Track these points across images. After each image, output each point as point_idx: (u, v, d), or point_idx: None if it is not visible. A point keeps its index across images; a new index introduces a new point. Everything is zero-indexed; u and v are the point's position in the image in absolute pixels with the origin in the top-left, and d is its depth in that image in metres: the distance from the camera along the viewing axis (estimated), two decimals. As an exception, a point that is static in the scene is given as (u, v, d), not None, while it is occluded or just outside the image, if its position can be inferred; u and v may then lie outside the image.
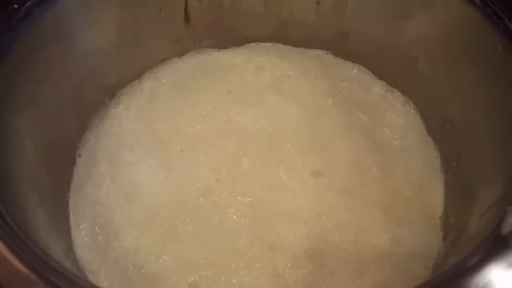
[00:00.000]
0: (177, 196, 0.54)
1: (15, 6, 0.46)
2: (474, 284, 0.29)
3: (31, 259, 0.34)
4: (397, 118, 0.60)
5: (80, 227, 0.53)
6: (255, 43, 0.68)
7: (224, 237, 0.51)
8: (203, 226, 0.52)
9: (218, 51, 0.69)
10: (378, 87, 0.63)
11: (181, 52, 0.68)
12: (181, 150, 0.58)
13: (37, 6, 0.47)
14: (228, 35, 0.68)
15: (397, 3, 0.55)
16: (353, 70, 0.65)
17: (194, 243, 0.51)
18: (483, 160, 0.46)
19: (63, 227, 0.51)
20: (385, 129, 0.59)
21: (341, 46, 0.65)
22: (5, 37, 0.45)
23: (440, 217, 0.52)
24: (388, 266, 0.48)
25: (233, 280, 0.48)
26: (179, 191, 0.55)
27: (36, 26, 0.47)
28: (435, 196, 0.54)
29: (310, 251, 0.50)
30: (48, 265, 0.34)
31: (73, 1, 0.51)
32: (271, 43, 0.69)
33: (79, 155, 0.59)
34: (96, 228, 0.53)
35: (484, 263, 0.30)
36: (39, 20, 0.47)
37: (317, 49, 0.67)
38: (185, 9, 0.64)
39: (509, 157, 0.41)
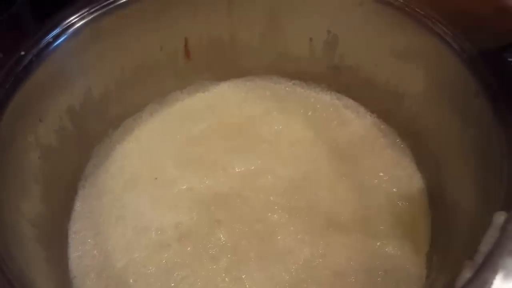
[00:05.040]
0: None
1: (22, 53, 0.51)
2: None
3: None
4: (386, 152, 0.61)
5: (79, 256, 0.56)
6: (251, 76, 0.71)
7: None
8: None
9: (218, 84, 0.72)
10: (368, 121, 0.64)
11: (182, 85, 0.71)
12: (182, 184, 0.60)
13: (41, 52, 0.51)
14: (228, 68, 0.71)
15: (384, 43, 0.57)
16: (346, 104, 0.66)
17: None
18: (463, 204, 0.46)
19: (59, 257, 0.53)
20: (373, 163, 0.60)
21: (334, 80, 0.67)
22: (11, 82, 0.49)
23: (426, 254, 0.52)
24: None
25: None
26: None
27: (39, 71, 0.51)
28: (421, 232, 0.54)
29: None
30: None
31: (74, 45, 0.54)
32: (267, 76, 0.71)
33: (83, 186, 0.62)
34: (95, 256, 0.56)
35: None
36: (42, 64, 0.51)
37: (311, 82, 0.69)
38: (185, 46, 0.67)
39: (484, 205, 0.41)
